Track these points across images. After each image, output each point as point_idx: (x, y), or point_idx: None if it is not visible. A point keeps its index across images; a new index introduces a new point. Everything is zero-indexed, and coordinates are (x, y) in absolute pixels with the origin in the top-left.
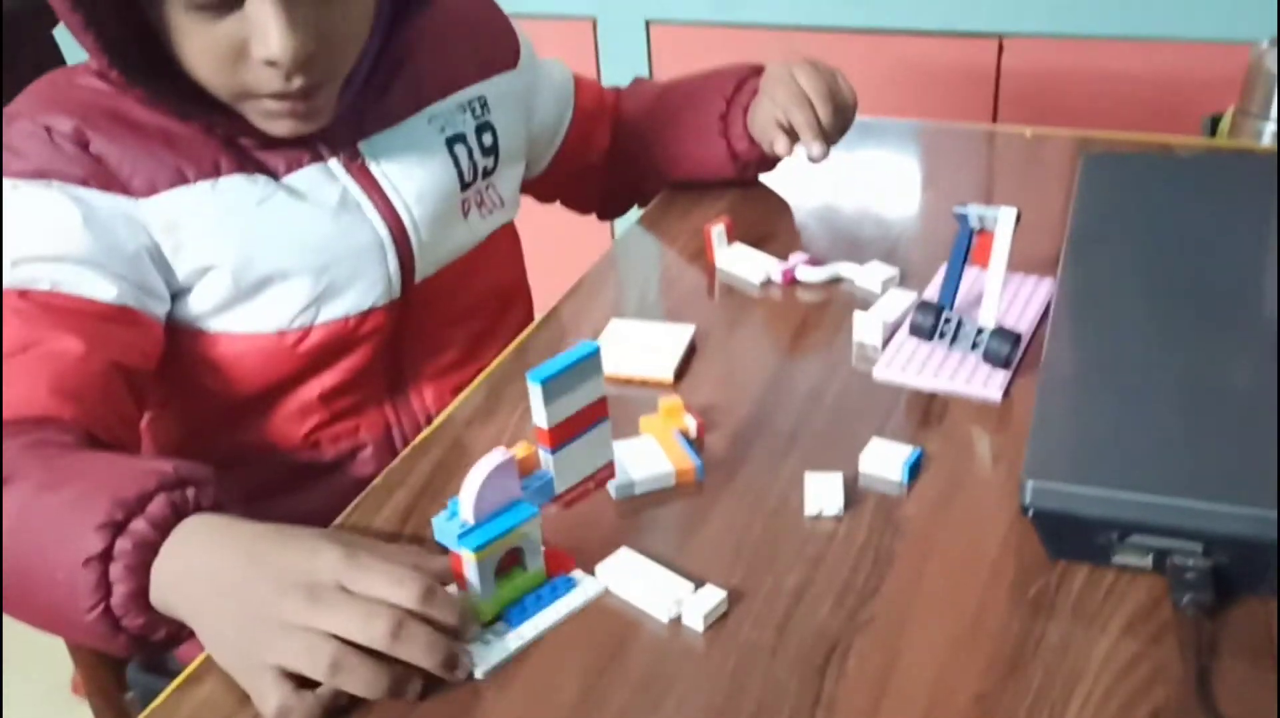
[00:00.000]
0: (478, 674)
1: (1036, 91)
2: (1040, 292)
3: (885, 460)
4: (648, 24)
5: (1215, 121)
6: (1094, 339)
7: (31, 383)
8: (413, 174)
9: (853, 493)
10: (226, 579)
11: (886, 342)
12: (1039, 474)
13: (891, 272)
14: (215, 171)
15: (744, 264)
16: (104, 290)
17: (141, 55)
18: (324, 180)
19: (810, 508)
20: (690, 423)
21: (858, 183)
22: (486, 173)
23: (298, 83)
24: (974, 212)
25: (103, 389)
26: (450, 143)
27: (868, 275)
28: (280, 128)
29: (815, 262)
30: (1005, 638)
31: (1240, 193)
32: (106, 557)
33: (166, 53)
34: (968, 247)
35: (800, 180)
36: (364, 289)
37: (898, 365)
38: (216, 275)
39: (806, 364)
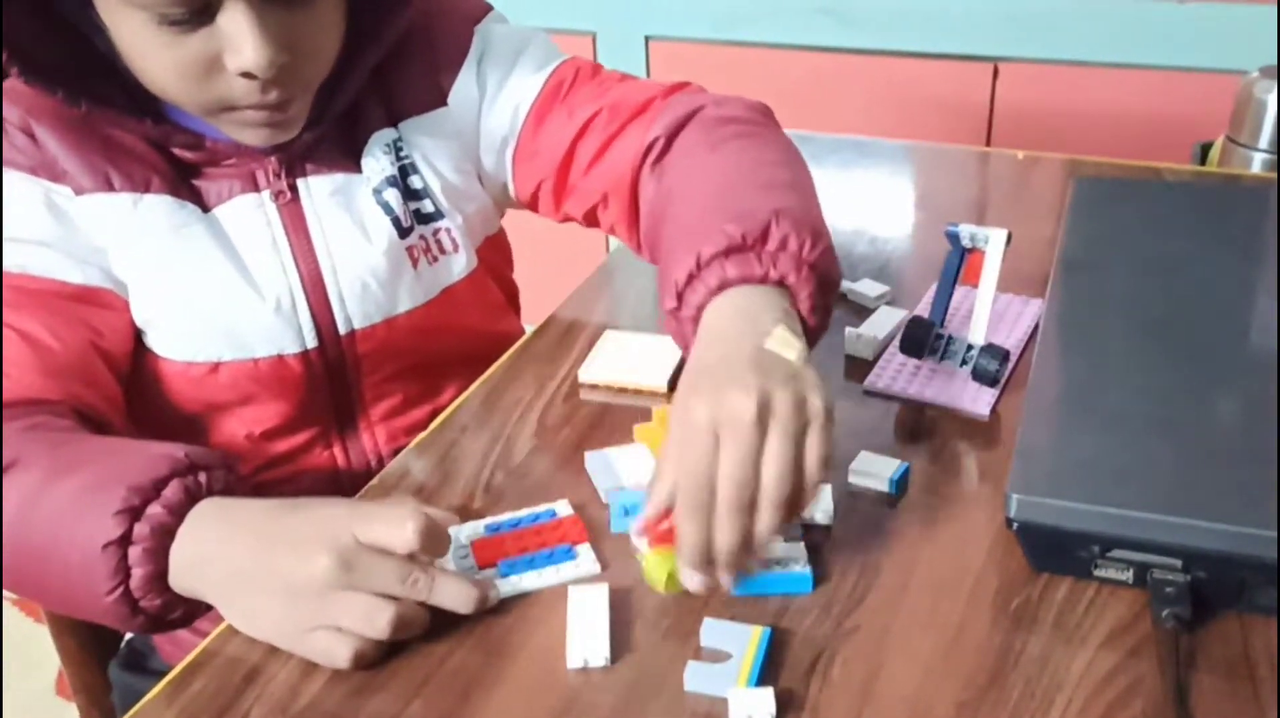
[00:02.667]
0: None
1: (1030, 116)
2: (1029, 311)
3: (874, 473)
4: (647, 40)
5: (1206, 149)
6: (1080, 359)
7: (20, 366)
8: (343, 222)
9: (841, 504)
10: (245, 559)
11: (878, 357)
12: (1024, 488)
13: (883, 289)
14: (144, 188)
15: None
16: (70, 273)
17: (73, 64)
18: (251, 215)
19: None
20: None
21: (851, 201)
22: (425, 218)
23: (273, 95)
24: (965, 231)
25: (84, 370)
26: (378, 190)
27: (860, 292)
28: (256, 137)
29: None
30: (987, 649)
31: (1228, 220)
32: (125, 541)
33: (105, 63)
34: (959, 266)
35: None
36: (269, 337)
37: (888, 380)
38: (132, 291)
39: None
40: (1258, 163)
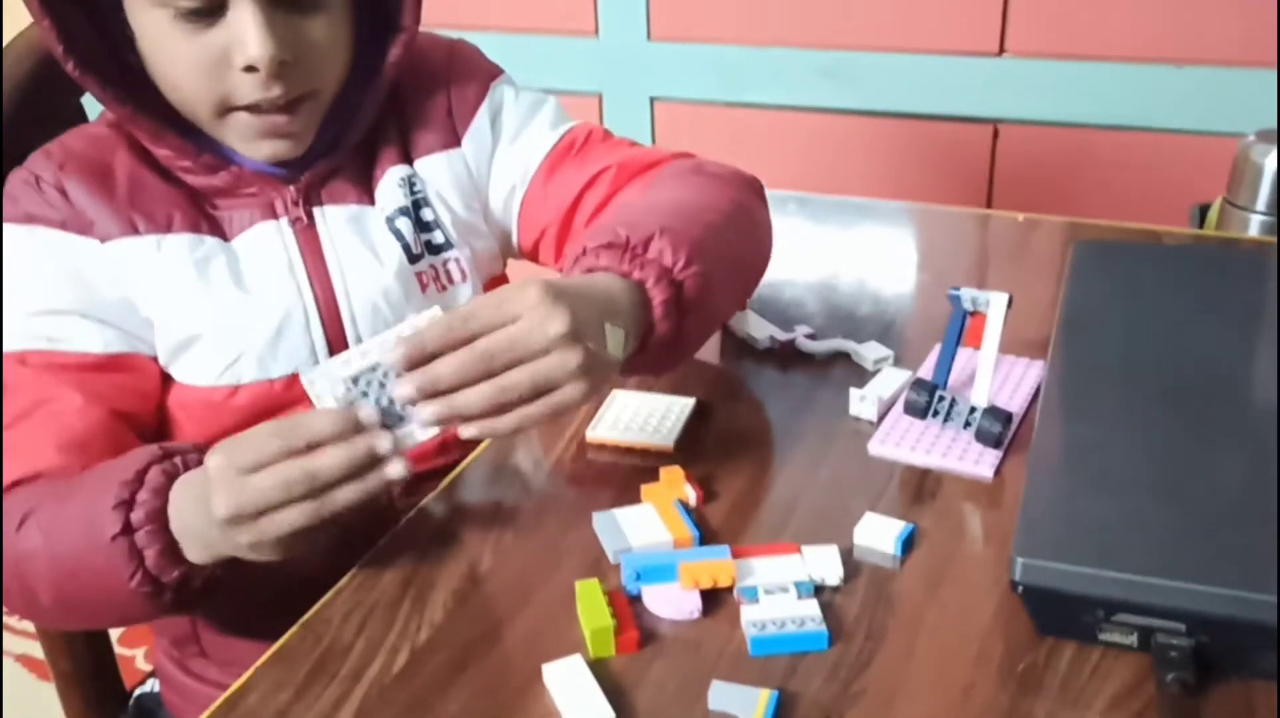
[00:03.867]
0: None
1: (1030, 177)
2: (1031, 374)
3: (879, 535)
4: (652, 101)
5: (1204, 211)
6: (1082, 422)
7: (39, 442)
8: (356, 247)
9: (847, 566)
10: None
11: (881, 418)
12: (1028, 552)
13: (887, 352)
14: (166, 228)
15: (752, 326)
16: (95, 342)
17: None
18: (269, 241)
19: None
20: (690, 493)
21: (855, 262)
22: (435, 248)
23: (276, 90)
24: (967, 294)
25: (108, 437)
26: (391, 219)
27: (864, 353)
28: (261, 150)
29: (816, 336)
30: (994, 713)
31: (1227, 283)
32: (129, 529)
33: (148, 92)
34: (961, 328)
35: (798, 257)
36: (285, 356)
37: (892, 442)
38: (158, 326)
39: (804, 437)
40: (1255, 225)
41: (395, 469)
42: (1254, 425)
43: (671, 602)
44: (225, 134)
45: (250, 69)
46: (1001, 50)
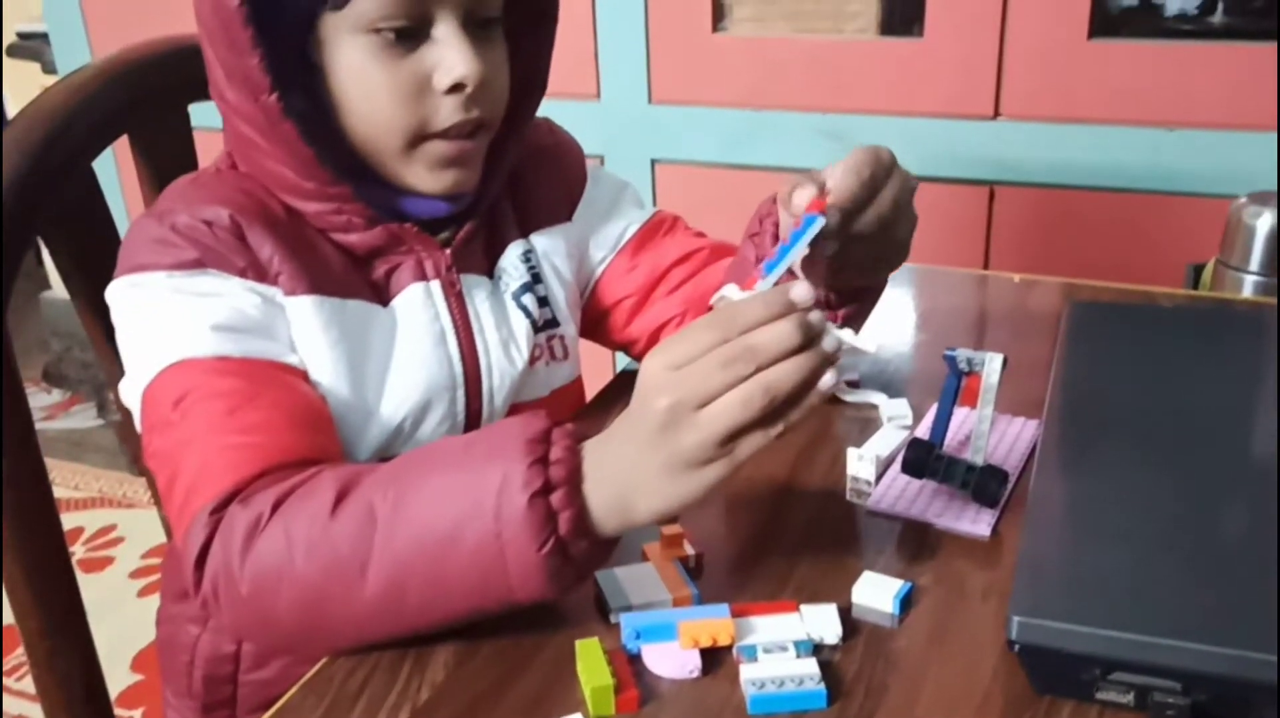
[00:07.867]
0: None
1: (1026, 238)
2: (1027, 433)
3: (877, 593)
4: (653, 163)
5: (1198, 270)
6: (1078, 481)
7: (273, 427)
8: (497, 321)
9: (845, 625)
10: (629, 455)
11: (879, 477)
12: (1025, 610)
13: (906, 412)
14: (339, 292)
15: None
16: (289, 356)
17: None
18: (423, 305)
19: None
20: (689, 551)
21: None
22: (547, 324)
23: (475, 112)
24: (963, 355)
25: (317, 422)
26: (517, 294)
27: (886, 410)
28: (445, 179)
29: (859, 384)
30: None
31: (1222, 343)
32: (546, 489)
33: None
34: (957, 388)
35: None
36: (432, 427)
37: (889, 500)
38: (321, 388)
39: (802, 496)
40: (1249, 285)
41: (830, 342)
42: (1248, 484)
43: (671, 661)
44: (410, 167)
45: (455, 89)
46: (996, 114)
